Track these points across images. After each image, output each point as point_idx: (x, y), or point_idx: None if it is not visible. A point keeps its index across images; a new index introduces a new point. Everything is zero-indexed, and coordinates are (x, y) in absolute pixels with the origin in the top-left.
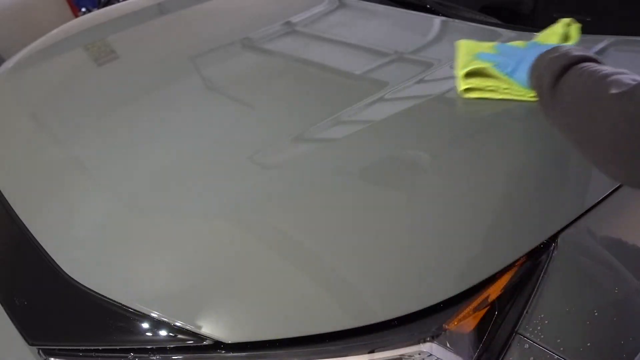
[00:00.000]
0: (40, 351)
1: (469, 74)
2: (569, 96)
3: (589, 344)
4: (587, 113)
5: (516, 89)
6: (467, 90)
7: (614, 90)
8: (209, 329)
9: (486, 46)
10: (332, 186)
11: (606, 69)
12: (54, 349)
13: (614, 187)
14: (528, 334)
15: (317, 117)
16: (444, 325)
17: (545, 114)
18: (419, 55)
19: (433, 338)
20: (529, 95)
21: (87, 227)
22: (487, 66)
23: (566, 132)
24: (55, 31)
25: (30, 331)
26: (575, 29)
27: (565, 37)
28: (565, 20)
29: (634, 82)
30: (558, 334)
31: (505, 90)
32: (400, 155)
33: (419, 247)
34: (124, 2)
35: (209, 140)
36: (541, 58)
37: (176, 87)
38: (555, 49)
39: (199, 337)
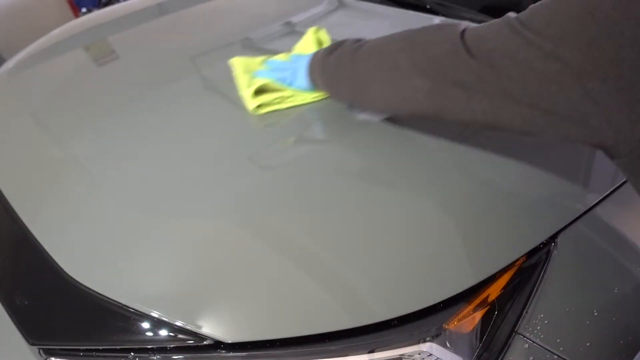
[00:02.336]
0: (41, 351)
1: (255, 92)
2: (346, 62)
3: (588, 344)
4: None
5: (299, 94)
6: (257, 107)
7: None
8: (209, 328)
9: (257, 62)
10: (332, 186)
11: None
12: (55, 349)
13: (614, 187)
14: (528, 334)
15: (317, 117)
16: (444, 325)
17: (331, 93)
18: None
19: (433, 338)
20: (311, 97)
21: (87, 227)
22: (269, 82)
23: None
24: (55, 31)
25: (30, 331)
26: (323, 33)
27: (319, 43)
28: (312, 28)
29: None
30: (558, 334)
31: (289, 99)
32: (400, 155)
33: (419, 247)
34: (124, 3)
35: (209, 140)
36: (312, 60)
37: (176, 87)
38: (319, 50)
39: (199, 337)
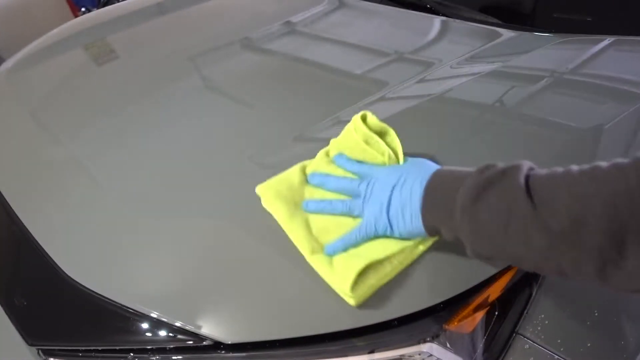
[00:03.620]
0: (40, 351)
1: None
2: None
3: (589, 344)
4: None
5: (413, 249)
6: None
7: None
8: (209, 329)
9: (297, 186)
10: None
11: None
12: (54, 349)
13: None
14: (528, 334)
15: (317, 117)
16: (444, 325)
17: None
18: (419, 55)
19: (433, 338)
20: (417, 251)
21: (87, 227)
22: (370, 255)
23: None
24: (55, 31)
25: (29, 331)
26: (374, 121)
27: (367, 137)
28: (359, 115)
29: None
30: (558, 334)
31: (405, 259)
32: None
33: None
34: (123, 2)
35: (209, 140)
36: (437, 198)
37: (176, 87)
38: (444, 180)
39: (198, 337)
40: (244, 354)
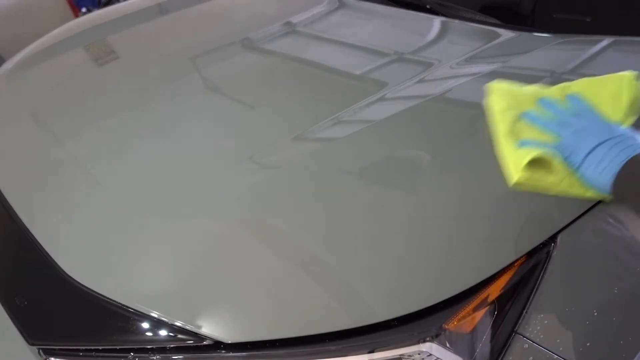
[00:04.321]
0: (41, 351)
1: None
2: None
3: (588, 344)
4: None
5: (578, 188)
6: (518, 183)
7: None
8: (209, 329)
9: (527, 97)
10: (332, 186)
11: None
12: (54, 349)
13: None
14: (528, 334)
15: (317, 117)
16: (444, 325)
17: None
18: (419, 55)
19: (433, 338)
20: (588, 194)
21: (87, 226)
22: (551, 157)
23: None
24: (55, 31)
25: (30, 331)
26: (631, 83)
27: (617, 95)
28: (627, 74)
29: None
30: (557, 334)
31: (567, 188)
32: (400, 155)
33: (418, 247)
34: (124, 3)
35: (209, 140)
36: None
37: (176, 88)
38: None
39: (199, 337)
40: (244, 354)
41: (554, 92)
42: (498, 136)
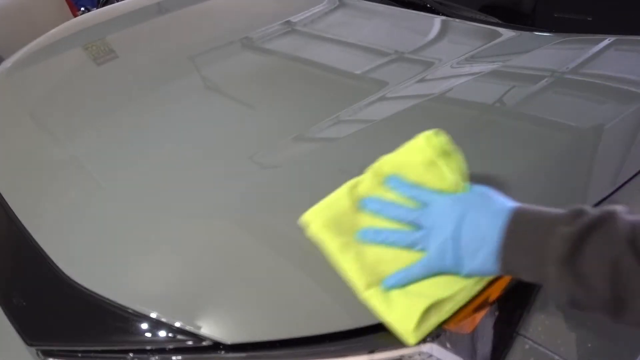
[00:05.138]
0: (39, 352)
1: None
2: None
3: (589, 345)
4: None
5: (462, 291)
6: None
7: None
8: (209, 329)
9: (346, 212)
10: (332, 186)
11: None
12: (53, 350)
13: (615, 187)
14: (529, 335)
15: (317, 117)
16: (444, 326)
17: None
18: (419, 55)
19: (433, 339)
20: (476, 289)
21: (86, 227)
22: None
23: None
24: (54, 30)
25: (29, 332)
26: (441, 141)
27: (430, 162)
28: (427, 134)
29: None
30: (559, 335)
31: (466, 299)
32: None
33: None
34: (123, 2)
35: (209, 140)
36: (523, 234)
37: (176, 87)
38: (542, 220)
39: (198, 337)
40: (243, 354)
41: (369, 185)
42: (358, 287)
